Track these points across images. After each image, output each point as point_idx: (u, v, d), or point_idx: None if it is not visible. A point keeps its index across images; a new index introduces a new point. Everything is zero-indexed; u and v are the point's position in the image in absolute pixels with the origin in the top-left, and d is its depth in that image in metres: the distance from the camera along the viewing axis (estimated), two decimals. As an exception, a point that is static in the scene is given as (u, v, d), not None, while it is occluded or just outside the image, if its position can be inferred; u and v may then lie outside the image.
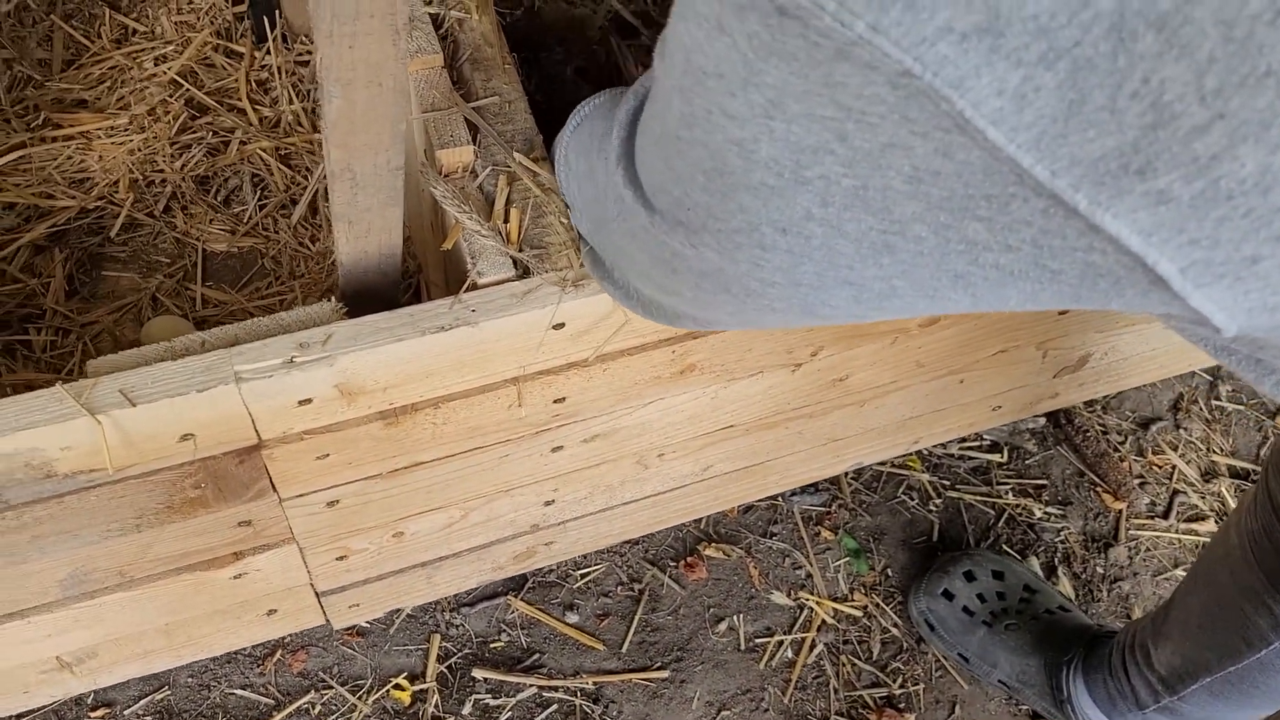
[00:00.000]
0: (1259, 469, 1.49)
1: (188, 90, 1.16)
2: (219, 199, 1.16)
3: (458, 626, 1.29)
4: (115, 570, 0.81)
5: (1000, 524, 1.41)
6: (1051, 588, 1.31)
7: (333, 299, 0.74)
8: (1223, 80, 0.32)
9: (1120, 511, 1.42)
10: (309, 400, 0.72)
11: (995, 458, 1.45)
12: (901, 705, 1.29)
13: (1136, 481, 1.45)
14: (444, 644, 1.28)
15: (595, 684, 1.27)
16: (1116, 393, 1.51)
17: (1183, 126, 0.33)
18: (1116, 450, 1.46)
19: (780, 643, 1.32)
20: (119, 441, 0.68)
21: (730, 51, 0.40)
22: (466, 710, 1.25)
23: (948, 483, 1.43)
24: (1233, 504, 1.46)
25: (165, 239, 1.13)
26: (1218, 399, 1.54)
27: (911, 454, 1.42)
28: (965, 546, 1.38)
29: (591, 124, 0.69)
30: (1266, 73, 0.31)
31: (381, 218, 0.73)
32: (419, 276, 1.03)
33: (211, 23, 1.23)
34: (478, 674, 1.26)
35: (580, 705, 1.26)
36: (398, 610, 1.26)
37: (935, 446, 1.44)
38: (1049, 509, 1.42)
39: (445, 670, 1.27)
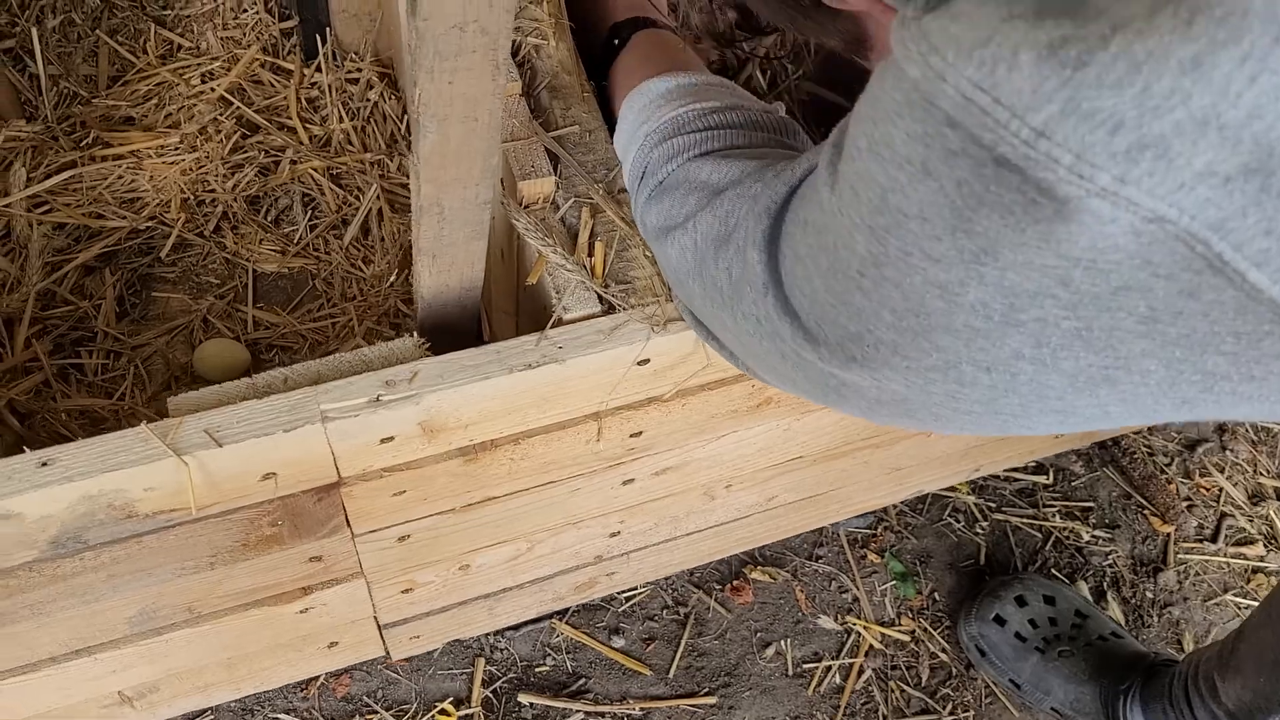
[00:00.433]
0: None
1: (238, 108, 1.15)
2: (269, 219, 1.14)
3: (502, 650, 1.28)
4: (184, 607, 0.79)
5: (1048, 547, 1.39)
6: (1102, 613, 1.29)
7: (414, 334, 0.72)
8: None
9: (1168, 535, 1.41)
10: (391, 438, 0.70)
11: (1041, 479, 1.43)
12: (952, 732, 1.27)
13: (1184, 504, 1.43)
14: (488, 668, 1.27)
15: (642, 709, 1.26)
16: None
17: None
18: (1163, 472, 1.45)
19: (828, 668, 1.30)
20: (202, 481, 0.67)
21: (937, 196, 0.39)
22: (513, 736, 1.23)
23: (993, 505, 1.41)
24: (1283, 528, 1.45)
25: (215, 259, 1.12)
26: (1263, 421, 1.53)
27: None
28: (1013, 570, 1.37)
29: (679, 197, 0.65)
30: None
31: (466, 251, 0.72)
32: (482, 304, 1.02)
33: (258, 39, 1.22)
34: (523, 699, 1.25)
35: (627, 731, 1.25)
36: (445, 635, 1.24)
37: (984, 469, 1.43)
38: (1096, 532, 1.41)
39: (490, 695, 1.25)
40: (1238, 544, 1.43)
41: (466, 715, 1.24)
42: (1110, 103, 0.33)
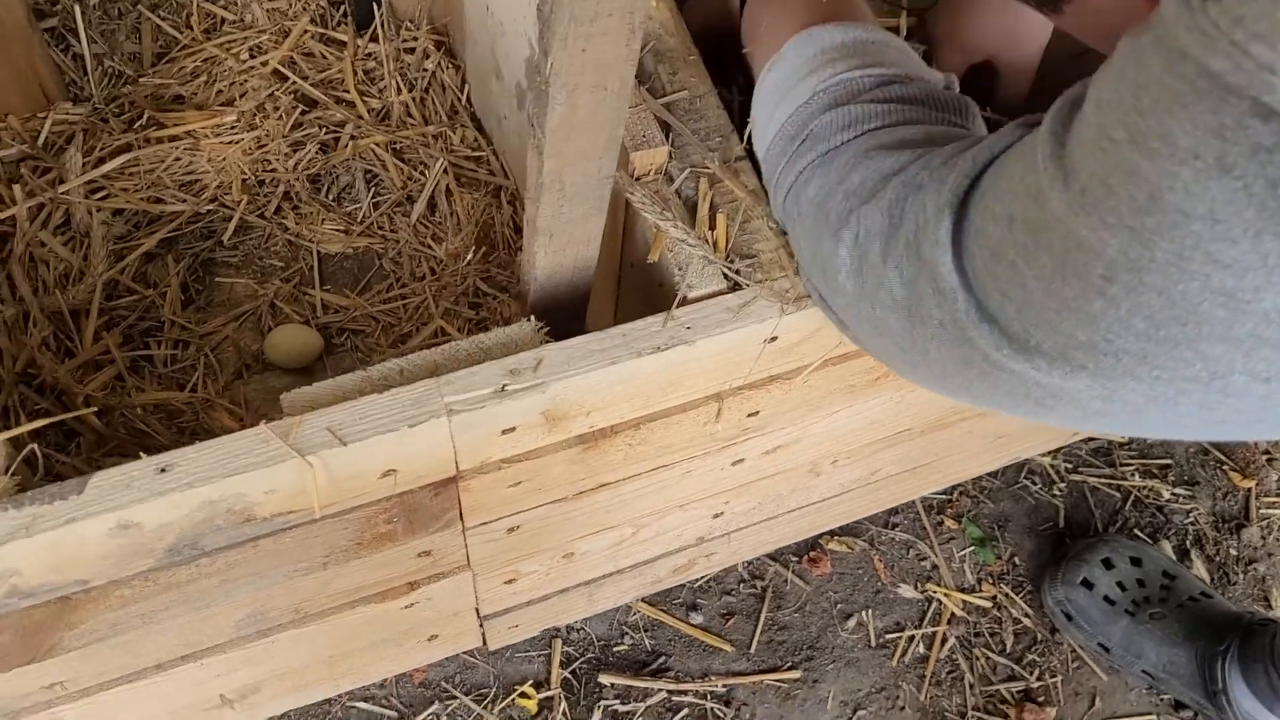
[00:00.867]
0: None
1: (294, 83, 1.10)
2: (330, 198, 1.10)
3: (579, 631, 1.25)
4: (291, 608, 0.76)
5: (1127, 507, 1.37)
6: (1188, 573, 1.27)
7: (530, 318, 0.69)
8: None
9: (1249, 490, 1.38)
10: (513, 429, 0.67)
11: (1116, 437, 1.40)
12: (1041, 699, 1.25)
13: (1264, 458, 1.40)
14: (566, 649, 1.24)
15: (725, 686, 1.24)
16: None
17: None
18: (1241, 427, 1.42)
19: (911, 638, 1.28)
20: (324, 481, 0.63)
21: (1236, 196, 0.35)
22: (596, 717, 1.21)
23: (1070, 465, 1.38)
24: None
25: (277, 241, 1.08)
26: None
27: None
28: (1094, 532, 1.34)
29: (845, 174, 0.59)
30: None
31: (584, 229, 0.68)
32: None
33: (305, 9, 1.17)
34: (604, 679, 1.23)
35: (712, 709, 1.22)
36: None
37: (1060, 429, 1.39)
38: (1176, 490, 1.38)
39: (569, 676, 1.23)
40: (1320, 497, 1.40)
41: (547, 697, 1.22)
42: None
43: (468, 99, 1.13)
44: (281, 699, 0.91)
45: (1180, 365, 0.40)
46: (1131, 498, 1.37)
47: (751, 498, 0.91)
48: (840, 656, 1.26)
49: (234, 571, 0.68)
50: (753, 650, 1.26)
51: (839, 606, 1.29)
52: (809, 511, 1.02)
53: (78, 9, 1.10)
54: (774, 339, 0.69)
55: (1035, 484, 1.37)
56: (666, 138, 0.73)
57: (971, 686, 1.26)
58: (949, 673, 1.26)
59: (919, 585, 1.31)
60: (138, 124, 1.07)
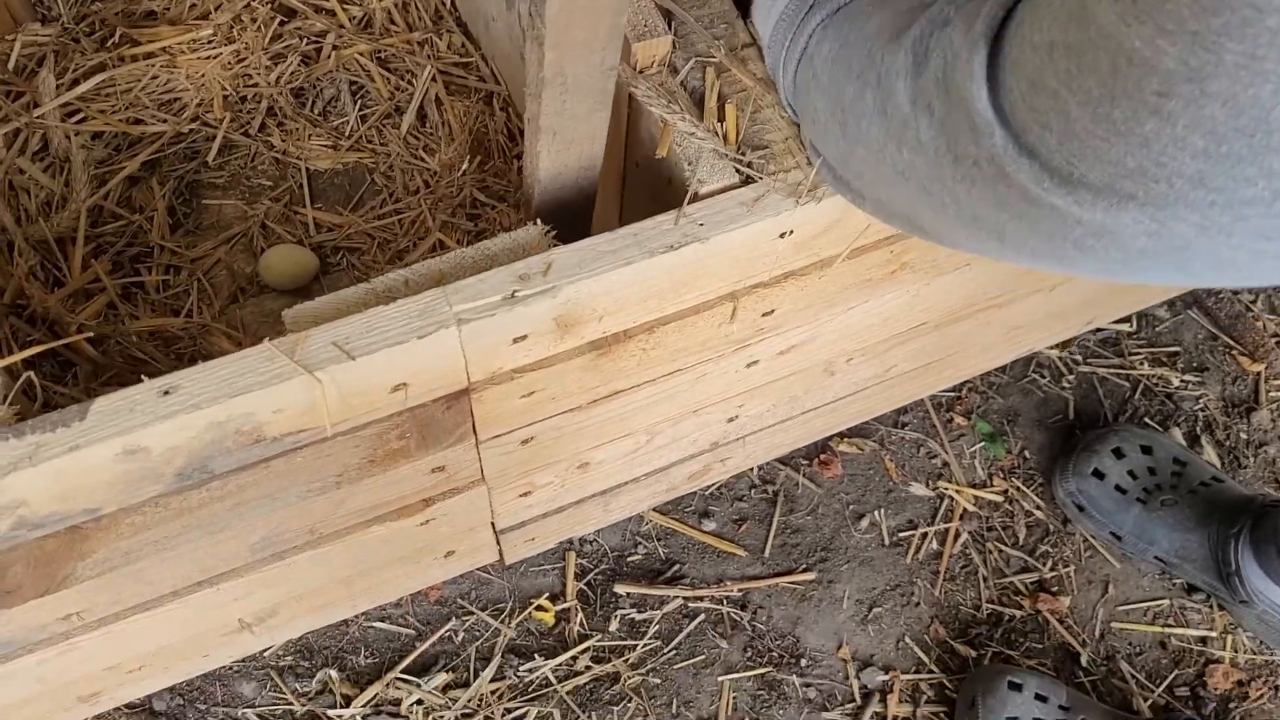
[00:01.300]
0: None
1: (270, -8, 1.06)
2: (316, 112, 1.06)
3: (592, 542, 1.25)
4: (306, 529, 0.75)
5: (1137, 396, 1.36)
6: (1199, 458, 1.27)
7: (537, 221, 0.66)
8: None
9: (1259, 373, 1.37)
10: (524, 337, 0.65)
11: (1124, 327, 1.39)
12: (1054, 589, 1.26)
13: (1273, 340, 1.39)
14: (580, 561, 1.24)
15: (741, 590, 1.24)
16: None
17: None
18: (1249, 309, 1.41)
19: (924, 535, 1.28)
20: (333, 397, 0.61)
21: None
22: (613, 627, 1.21)
23: (1078, 357, 1.37)
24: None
25: (264, 159, 1.04)
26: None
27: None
28: (1104, 422, 1.33)
29: (863, 22, 0.58)
30: None
31: (588, 125, 0.65)
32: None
33: (277, -86, 1.11)
34: (620, 589, 1.23)
35: (728, 613, 1.23)
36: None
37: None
38: (1186, 376, 1.37)
39: (585, 587, 1.23)
40: (1329, 378, 1.39)
41: (564, 609, 1.22)
42: None
43: (452, 3, 1.08)
44: (299, 621, 0.91)
45: (1241, 185, 0.38)
46: (1141, 386, 1.36)
47: (766, 400, 0.89)
48: (854, 557, 1.27)
49: (246, 494, 0.67)
50: (766, 554, 1.26)
51: (851, 508, 1.29)
52: (823, 412, 1.01)
53: (38, -78, 1.05)
54: (790, 233, 0.67)
55: (1044, 377, 1.36)
56: (669, 26, 0.69)
57: (985, 580, 1.26)
58: (963, 567, 1.27)
59: (930, 483, 1.30)
60: (110, 42, 1.03)
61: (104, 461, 0.57)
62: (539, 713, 1.16)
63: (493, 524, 0.88)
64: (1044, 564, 1.27)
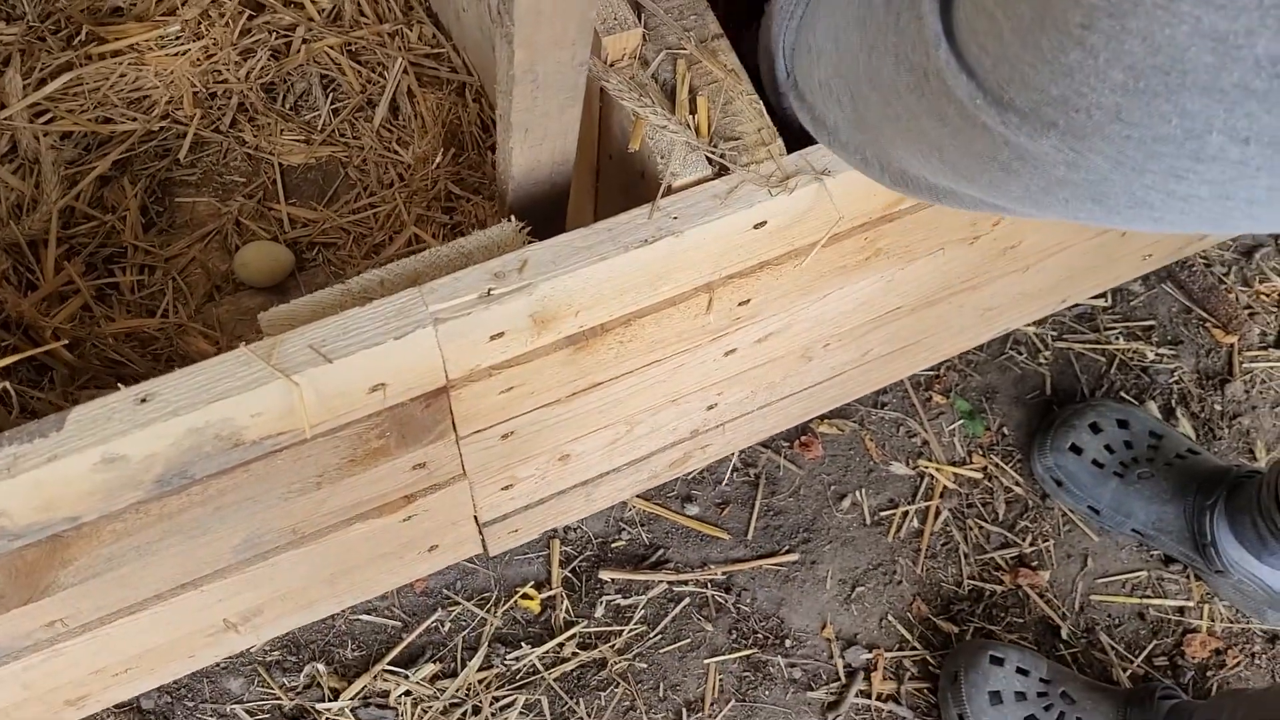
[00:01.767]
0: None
1: (238, -14, 1.05)
2: (287, 106, 1.06)
3: (576, 530, 1.26)
4: (289, 529, 0.75)
5: (1113, 370, 1.37)
6: (1175, 431, 1.28)
7: (511, 218, 0.66)
8: None
9: (1232, 345, 1.39)
10: (501, 334, 0.65)
11: (1099, 302, 1.40)
12: (1034, 563, 1.27)
13: (1245, 312, 1.41)
14: (564, 549, 1.25)
15: (725, 574, 1.25)
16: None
17: None
18: (1222, 282, 1.42)
19: (905, 513, 1.29)
20: (311, 400, 0.61)
21: None
22: (599, 613, 1.22)
23: (1054, 333, 1.38)
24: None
25: (236, 156, 1.04)
26: None
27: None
28: (1081, 397, 1.35)
29: None
30: None
31: (560, 122, 0.65)
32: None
33: (242, -94, 1.10)
34: (605, 575, 1.23)
35: (713, 596, 1.24)
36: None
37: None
38: (1160, 350, 1.38)
39: (570, 575, 1.24)
40: (1301, 348, 1.41)
41: (549, 597, 1.23)
42: None
43: (422, -7, 1.08)
44: (285, 619, 0.91)
45: (1156, 121, 0.39)
46: (1116, 361, 1.37)
47: (745, 387, 0.90)
48: (836, 537, 1.28)
49: (226, 497, 0.67)
50: (750, 537, 1.27)
51: (832, 488, 1.30)
52: (802, 397, 1.01)
53: (-1, -81, 1.04)
54: (764, 224, 0.67)
55: (1021, 354, 1.37)
56: (639, 19, 0.69)
57: (966, 556, 1.28)
58: (944, 544, 1.28)
59: (910, 461, 1.31)
60: (76, 40, 1.02)
61: (83, 471, 0.57)
62: (527, 700, 1.17)
63: (475, 517, 0.88)
64: (1023, 539, 1.29)
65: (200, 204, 1.02)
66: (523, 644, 1.19)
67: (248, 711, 1.13)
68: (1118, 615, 1.26)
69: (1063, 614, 1.25)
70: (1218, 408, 1.36)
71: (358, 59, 1.06)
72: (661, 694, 1.19)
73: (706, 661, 1.20)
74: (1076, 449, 1.25)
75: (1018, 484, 1.31)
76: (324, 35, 1.05)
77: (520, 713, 1.16)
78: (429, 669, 1.17)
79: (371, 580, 0.92)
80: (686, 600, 1.24)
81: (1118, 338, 1.38)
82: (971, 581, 1.26)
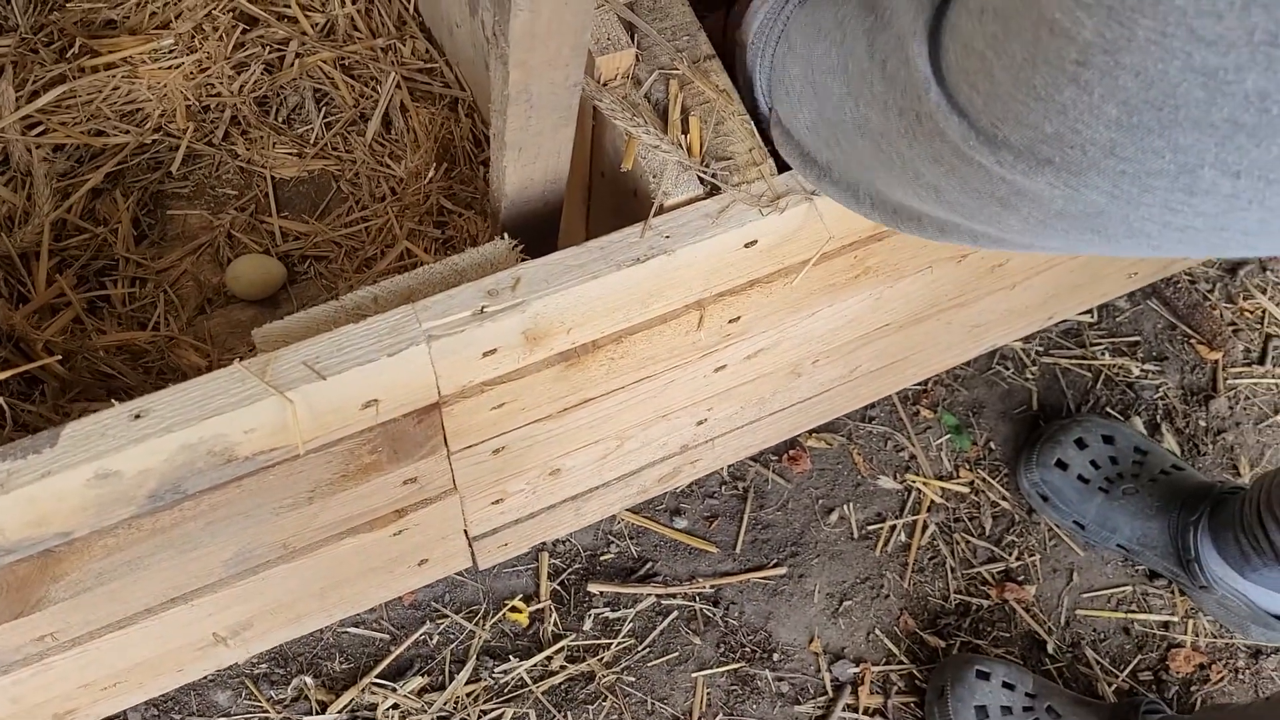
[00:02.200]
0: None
1: (232, 1, 1.05)
2: (280, 120, 1.06)
3: (565, 543, 1.26)
4: (280, 544, 0.75)
5: (1098, 386, 1.38)
6: (1160, 447, 1.29)
7: (504, 236, 0.67)
8: None
9: (1216, 361, 1.40)
10: (493, 351, 0.66)
11: (1085, 318, 1.41)
12: (1020, 578, 1.28)
13: (1229, 329, 1.42)
14: (553, 561, 1.25)
15: (713, 587, 1.25)
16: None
17: None
18: (1207, 299, 1.43)
19: (893, 528, 1.30)
20: (305, 416, 0.62)
21: None
22: (587, 626, 1.22)
23: (1041, 349, 1.39)
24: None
25: (228, 169, 1.04)
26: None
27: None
28: (1067, 412, 1.36)
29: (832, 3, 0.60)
30: None
31: (553, 140, 0.66)
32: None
33: (236, -80, 1.11)
34: (593, 588, 1.24)
35: (701, 610, 1.24)
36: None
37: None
38: (1146, 366, 1.39)
39: (558, 588, 1.24)
40: (1284, 365, 1.42)
41: (538, 610, 1.23)
42: None
43: (415, 8, 1.08)
44: (274, 633, 0.91)
45: (1149, 156, 0.39)
46: (1102, 376, 1.39)
47: (734, 403, 0.90)
48: (824, 550, 1.28)
49: (218, 512, 0.67)
50: (738, 550, 1.27)
51: (820, 502, 1.30)
52: (791, 412, 1.02)
53: (-7, -69, 1.04)
54: (755, 243, 0.68)
55: (1008, 369, 1.38)
56: (632, 39, 0.70)
57: (953, 570, 1.28)
58: (931, 559, 1.29)
59: (898, 476, 1.32)
60: (69, 53, 1.02)
61: (76, 486, 0.57)
62: (515, 714, 1.17)
63: (465, 532, 0.89)
64: (1010, 554, 1.29)
65: (192, 217, 1.02)
66: (511, 657, 1.20)
67: (235, 724, 1.12)
68: (1103, 630, 1.27)
69: (1048, 628, 1.26)
70: (1202, 424, 1.37)
71: (351, 73, 1.06)
72: (650, 707, 1.19)
73: (694, 675, 1.21)
74: (1062, 464, 1.26)
75: (1004, 499, 1.32)
76: (317, 49, 1.05)
77: (508, 726, 1.16)
78: (417, 682, 1.17)
79: (361, 594, 0.92)
80: (675, 613, 1.24)
81: (1103, 354, 1.39)
82: (958, 596, 1.27)
